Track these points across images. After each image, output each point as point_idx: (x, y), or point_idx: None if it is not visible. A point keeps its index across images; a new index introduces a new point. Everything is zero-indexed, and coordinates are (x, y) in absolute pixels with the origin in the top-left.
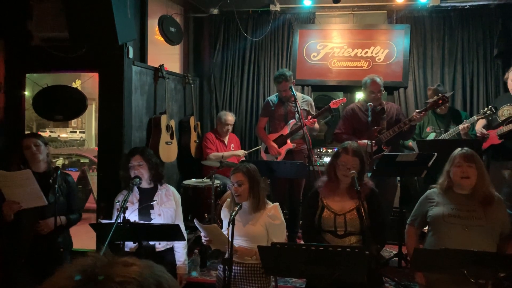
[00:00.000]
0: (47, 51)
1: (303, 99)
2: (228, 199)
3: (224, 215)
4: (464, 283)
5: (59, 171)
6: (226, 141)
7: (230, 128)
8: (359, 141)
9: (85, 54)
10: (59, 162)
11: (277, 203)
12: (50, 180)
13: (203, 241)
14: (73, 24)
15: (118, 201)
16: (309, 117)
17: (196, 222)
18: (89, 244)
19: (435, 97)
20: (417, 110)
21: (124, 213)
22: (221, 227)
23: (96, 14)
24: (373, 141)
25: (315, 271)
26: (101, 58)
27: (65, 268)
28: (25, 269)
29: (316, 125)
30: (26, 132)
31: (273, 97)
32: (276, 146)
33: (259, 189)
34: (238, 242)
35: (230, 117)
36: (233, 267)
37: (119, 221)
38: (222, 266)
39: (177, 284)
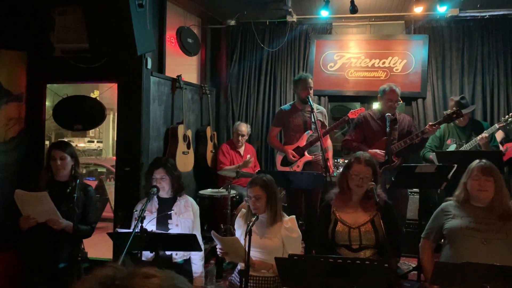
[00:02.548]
0: (67, 62)
1: (318, 109)
2: (243, 209)
3: (238, 225)
4: None
5: (77, 181)
6: (242, 152)
7: (244, 138)
8: (370, 151)
9: (104, 65)
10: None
11: (294, 216)
12: (68, 190)
13: (218, 253)
14: (93, 36)
15: (136, 210)
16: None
17: (213, 233)
18: (106, 253)
19: (449, 110)
20: (430, 123)
21: (142, 222)
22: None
23: (115, 26)
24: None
25: (333, 284)
26: (120, 69)
27: (85, 280)
28: (39, 276)
29: (329, 141)
30: (46, 142)
31: (286, 106)
32: (293, 152)
33: (276, 201)
34: (254, 254)
35: (243, 128)
36: (250, 280)
37: (136, 230)
38: (238, 275)
39: None
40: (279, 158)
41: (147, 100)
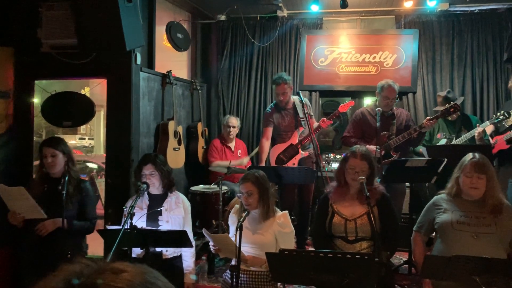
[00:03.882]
0: (55, 58)
1: (299, 100)
2: (237, 205)
3: (232, 221)
4: None
5: (66, 178)
6: (232, 147)
7: (233, 131)
8: (368, 146)
9: (93, 60)
10: None
11: (287, 211)
12: (59, 187)
13: (211, 249)
14: (81, 31)
15: (126, 207)
16: (324, 119)
17: (204, 231)
18: (98, 251)
19: (446, 104)
20: (428, 118)
21: (132, 219)
22: (228, 233)
23: (104, 21)
24: (381, 147)
25: (324, 279)
26: (109, 64)
27: (50, 278)
28: (32, 273)
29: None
30: (35, 139)
31: (269, 107)
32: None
33: (268, 197)
34: (247, 249)
35: (233, 120)
36: (241, 274)
37: (126, 227)
38: (229, 271)
39: None
40: (273, 156)
41: (137, 96)
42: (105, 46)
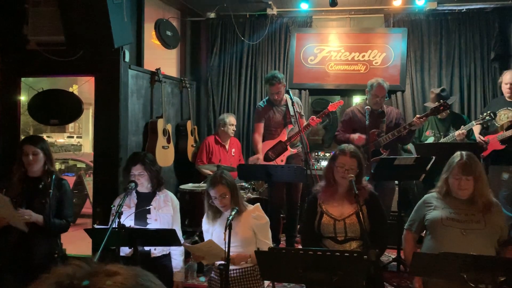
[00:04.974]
0: (42, 55)
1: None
2: (208, 211)
3: (206, 228)
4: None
5: (53, 176)
6: (227, 146)
7: (233, 129)
8: (352, 136)
9: (81, 58)
10: (56, 167)
11: (258, 204)
12: (40, 185)
13: (193, 259)
14: (69, 28)
15: (114, 206)
16: (314, 117)
17: (184, 244)
18: (86, 250)
19: (437, 102)
20: (417, 116)
21: (120, 217)
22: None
23: (92, 18)
24: (371, 144)
25: (314, 276)
26: (97, 62)
27: (42, 280)
28: (10, 273)
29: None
30: (22, 137)
31: (261, 103)
32: (256, 157)
33: (238, 194)
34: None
35: (232, 118)
36: (230, 272)
37: (114, 226)
38: (219, 271)
39: None
40: (262, 151)
41: (125, 94)
42: (93, 43)
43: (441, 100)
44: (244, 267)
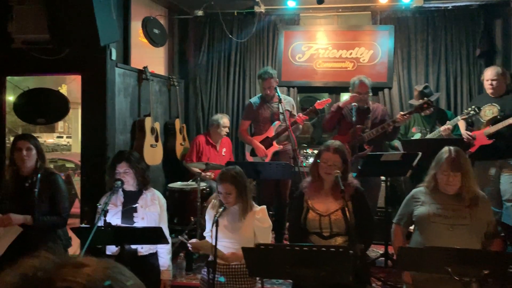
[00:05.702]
0: (28, 53)
1: (285, 100)
2: (214, 200)
3: (209, 216)
4: (450, 282)
5: (39, 175)
6: (218, 146)
7: (226, 131)
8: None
9: (67, 56)
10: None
11: (264, 206)
12: (27, 184)
13: (189, 248)
14: (54, 26)
15: (100, 204)
16: (300, 114)
17: (180, 238)
18: (76, 250)
19: (420, 100)
20: (401, 113)
21: (105, 216)
22: (205, 229)
23: (77, 16)
24: (354, 141)
25: (301, 272)
26: (83, 60)
27: (7, 272)
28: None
29: (300, 125)
30: (10, 138)
31: (255, 99)
32: (263, 147)
33: (246, 193)
34: (226, 245)
35: (226, 120)
36: (219, 270)
37: (100, 224)
38: (206, 268)
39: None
40: (248, 148)
41: (112, 92)
42: (79, 42)
43: (424, 98)
44: (239, 265)
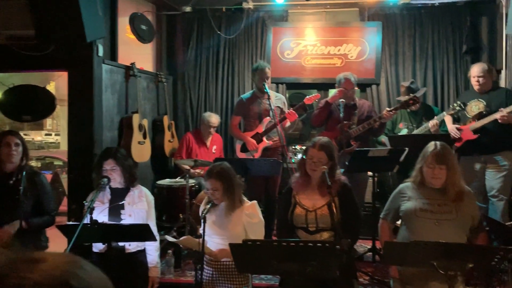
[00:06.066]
0: (12, 50)
1: (276, 97)
2: (207, 197)
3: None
4: (436, 276)
5: (24, 173)
6: (208, 143)
7: (214, 130)
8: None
9: (53, 52)
10: (32, 164)
11: (255, 201)
12: (11, 182)
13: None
14: (39, 22)
15: (87, 202)
16: (290, 110)
17: (168, 238)
18: (63, 248)
19: (407, 96)
20: (387, 109)
21: (91, 213)
22: (199, 226)
23: (63, 11)
24: (341, 137)
25: (288, 268)
26: (69, 56)
27: None
28: None
29: (288, 122)
30: None
31: (246, 95)
32: (254, 141)
33: (234, 189)
34: (216, 241)
35: (213, 119)
36: (211, 267)
37: (86, 221)
38: (206, 267)
39: (104, 284)
40: (238, 145)
41: (99, 89)
42: (65, 38)
43: (410, 94)
44: (227, 261)
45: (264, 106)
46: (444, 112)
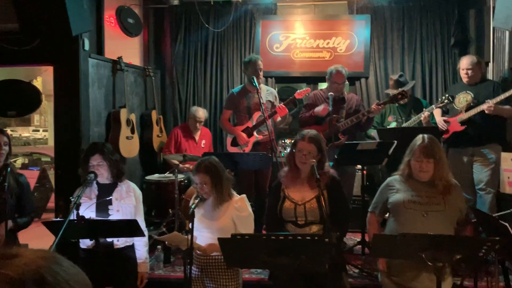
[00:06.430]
0: None
1: (268, 91)
2: (196, 192)
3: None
4: (424, 268)
5: (8, 169)
6: (197, 138)
7: (201, 124)
8: (315, 109)
9: (38, 46)
10: (19, 161)
11: (244, 195)
12: None
13: (167, 244)
14: (23, 15)
15: (72, 198)
16: (280, 105)
17: (154, 236)
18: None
19: (395, 90)
20: (376, 103)
21: (78, 209)
22: (187, 222)
23: (47, 4)
24: (330, 130)
25: (277, 261)
26: (55, 50)
27: None
28: None
29: (279, 117)
30: None
31: (237, 89)
32: (244, 135)
33: (222, 183)
34: (205, 235)
35: (200, 113)
36: (200, 262)
37: (72, 218)
38: (183, 259)
39: (81, 279)
40: (228, 139)
41: (86, 83)
42: (49, 31)
43: (399, 88)
44: (217, 255)
45: (255, 100)
46: (433, 106)
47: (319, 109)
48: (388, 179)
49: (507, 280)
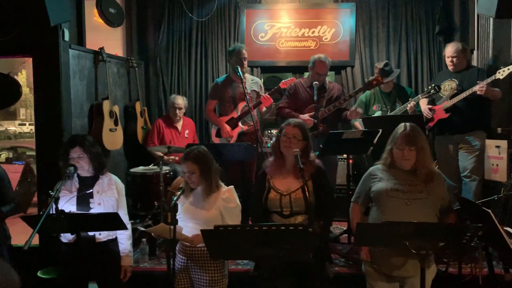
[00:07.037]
0: None
1: (253, 80)
2: (182, 184)
3: (180, 199)
4: (408, 256)
5: None
6: (179, 128)
7: (181, 112)
8: (300, 116)
9: (16, 37)
10: (3, 155)
11: (232, 186)
12: None
13: (154, 235)
14: None
15: (52, 192)
16: (265, 95)
17: (140, 228)
18: (34, 240)
19: (371, 77)
20: (352, 91)
21: (57, 203)
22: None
23: None
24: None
25: (261, 252)
26: (34, 41)
27: None
28: None
29: (264, 107)
30: None
31: (221, 78)
32: (229, 128)
33: (210, 173)
34: (191, 225)
35: (179, 100)
36: (185, 254)
37: (51, 212)
38: (179, 255)
39: (10, 279)
40: (213, 131)
41: (67, 75)
42: (27, 22)
43: (381, 78)
44: (198, 246)
45: (239, 90)
46: (419, 95)
47: (304, 117)
48: (371, 168)
49: (491, 266)
